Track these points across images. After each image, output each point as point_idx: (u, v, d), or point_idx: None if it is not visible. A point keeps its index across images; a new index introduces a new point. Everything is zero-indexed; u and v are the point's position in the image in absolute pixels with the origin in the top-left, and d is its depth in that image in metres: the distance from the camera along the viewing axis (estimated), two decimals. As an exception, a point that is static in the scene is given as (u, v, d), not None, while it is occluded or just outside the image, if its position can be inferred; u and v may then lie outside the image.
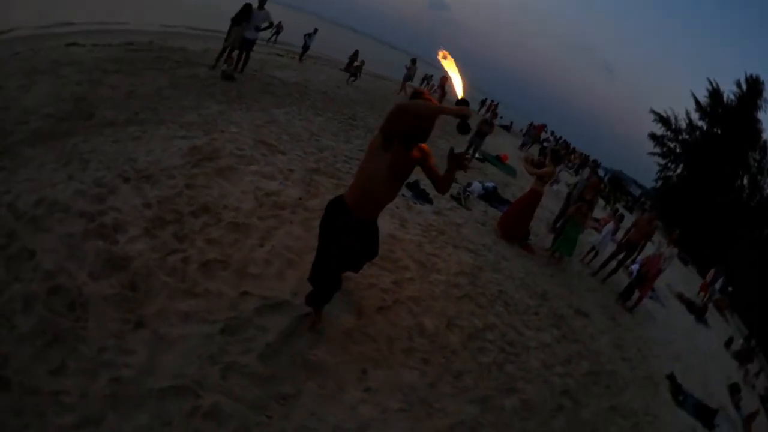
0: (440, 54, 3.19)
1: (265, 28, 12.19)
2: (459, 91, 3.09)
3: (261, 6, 11.49)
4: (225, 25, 11.85)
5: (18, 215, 3.88)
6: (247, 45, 11.76)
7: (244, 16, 11.29)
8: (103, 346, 3.00)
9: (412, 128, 3.15)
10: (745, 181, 33.43)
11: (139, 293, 3.48)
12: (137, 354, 3.04)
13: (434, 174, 3.34)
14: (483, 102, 34.28)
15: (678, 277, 17.20)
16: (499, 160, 16.31)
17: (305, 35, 21.30)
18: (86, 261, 3.57)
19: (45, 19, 14.85)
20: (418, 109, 3.12)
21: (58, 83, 7.60)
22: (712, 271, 18.73)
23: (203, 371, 3.07)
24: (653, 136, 37.76)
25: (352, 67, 19.94)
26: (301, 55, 21.20)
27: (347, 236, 3.30)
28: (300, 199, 5.70)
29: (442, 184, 3.32)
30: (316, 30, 21.56)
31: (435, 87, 12.78)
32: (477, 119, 14.87)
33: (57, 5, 17.26)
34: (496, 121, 15.56)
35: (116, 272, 3.57)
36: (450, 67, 3.17)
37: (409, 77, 20.02)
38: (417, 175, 9.10)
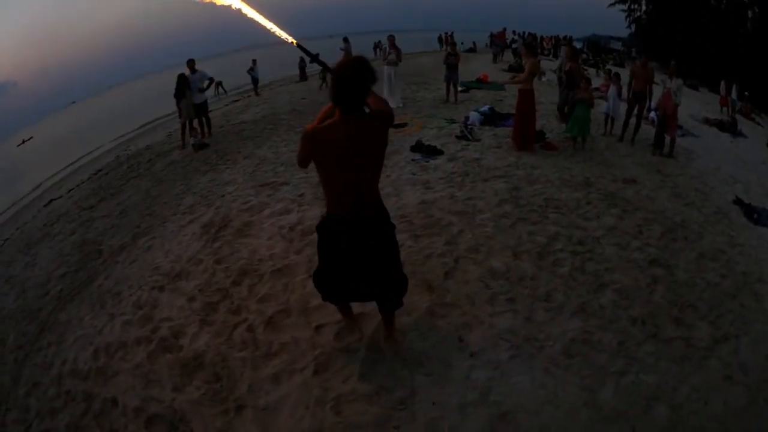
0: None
1: (208, 87, 12.13)
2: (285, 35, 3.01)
3: (193, 70, 11.39)
4: (170, 106, 11.83)
5: (84, 376, 3.93)
6: (201, 110, 11.72)
7: (183, 86, 11.24)
8: (216, 445, 2.99)
9: None
10: None
11: (224, 380, 3.47)
12: (250, 435, 3.02)
13: None
14: (439, 38, 34.18)
15: (696, 104, 16.76)
16: (481, 82, 16.27)
17: (248, 71, 21.12)
18: (164, 379, 3.59)
19: (13, 195, 15.10)
20: None
21: (56, 242, 7.69)
22: (723, 82, 18.21)
23: (317, 417, 3.05)
24: (604, -13, 37.24)
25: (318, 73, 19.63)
26: (255, 89, 21.09)
27: None
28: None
29: None
30: (254, 61, 21.29)
31: (387, 49, 12.68)
32: (439, 56, 14.83)
33: (17, 178, 17.58)
34: (459, 49, 15.30)
35: (195, 373, 3.58)
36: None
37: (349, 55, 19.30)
38: (419, 133, 9.16)
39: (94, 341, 4.31)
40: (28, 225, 9.81)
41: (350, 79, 2.73)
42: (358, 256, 3.10)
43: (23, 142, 40.04)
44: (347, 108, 2.77)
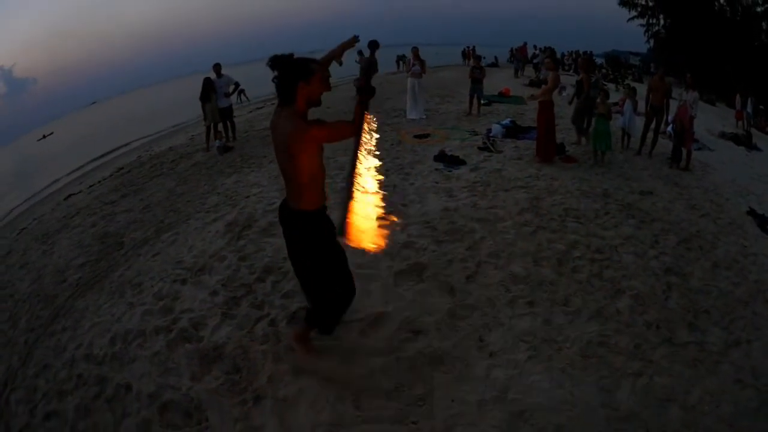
0: None
1: (233, 91, 12.24)
2: None
3: (219, 74, 11.51)
4: (192, 112, 11.84)
5: (99, 360, 3.95)
6: (226, 114, 11.81)
7: (208, 89, 11.35)
8: (232, 435, 3.03)
9: None
10: (722, 1, 32.25)
11: (243, 372, 3.50)
12: (267, 426, 3.06)
13: None
14: (463, 53, 34.28)
15: (712, 118, 16.73)
16: (502, 96, 16.41)
17: (272, 79, 21.16)
18: (182, 368, 3.62)
19: (32, 188, 15.23)
20: None
21: (76, 234, 7.74)
22: (738, 96, 18.10)
23: (336, 410, 3.08)
24: (623, 2, 37.04)
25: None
26: None
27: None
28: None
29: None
30: None
31: (412, 61, 12.82)
32: (461, 70, 14.86)
33: (36, 171, 17.64)
34: (482, 62, 15.38)
35: (214, 364, 3.61)
36: None
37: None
38: (442, 144, 9.20)
39: (111, 328, 4.34)
40: (46, 216, 9.86)
41: (279, 72, 2.93)
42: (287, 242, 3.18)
43: (43, 137, 40.65)
44: (279, 99, 2.99)
